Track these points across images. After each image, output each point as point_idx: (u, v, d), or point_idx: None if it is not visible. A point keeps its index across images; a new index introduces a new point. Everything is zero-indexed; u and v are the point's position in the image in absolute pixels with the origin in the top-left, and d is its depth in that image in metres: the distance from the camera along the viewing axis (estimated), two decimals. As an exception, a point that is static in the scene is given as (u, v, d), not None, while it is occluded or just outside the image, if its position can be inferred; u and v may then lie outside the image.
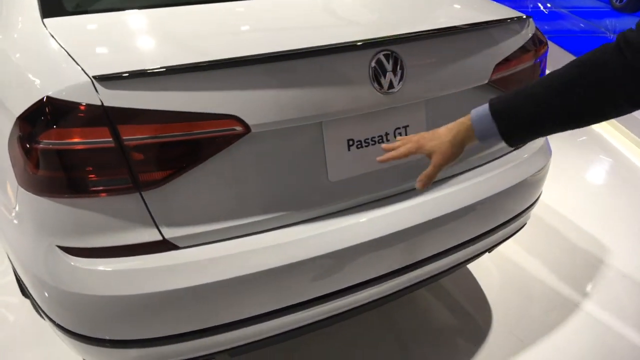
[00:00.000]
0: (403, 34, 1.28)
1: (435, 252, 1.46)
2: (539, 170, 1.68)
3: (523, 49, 1.55)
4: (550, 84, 0.95)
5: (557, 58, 4.80)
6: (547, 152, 1.76)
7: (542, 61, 1.67)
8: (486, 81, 1.46)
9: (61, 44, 1.14)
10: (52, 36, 1.17)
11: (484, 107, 1.03)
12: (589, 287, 2.14)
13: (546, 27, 5.85)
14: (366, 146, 1.33)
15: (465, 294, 2.12)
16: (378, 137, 1.34)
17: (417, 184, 1.11)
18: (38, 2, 1.29)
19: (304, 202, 1.28)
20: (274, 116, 1.15)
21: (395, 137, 1.37)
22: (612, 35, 5.92)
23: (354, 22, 1.41)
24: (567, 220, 2.60)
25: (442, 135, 1.10)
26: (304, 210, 1.29)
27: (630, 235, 2.48)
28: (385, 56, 1.25)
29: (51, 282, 1.15)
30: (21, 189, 1.13)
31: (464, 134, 1.07)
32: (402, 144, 1.13)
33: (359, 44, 1.22)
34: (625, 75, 0.86)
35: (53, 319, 1.22)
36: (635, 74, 0.85)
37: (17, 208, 1.19)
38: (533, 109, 0.96)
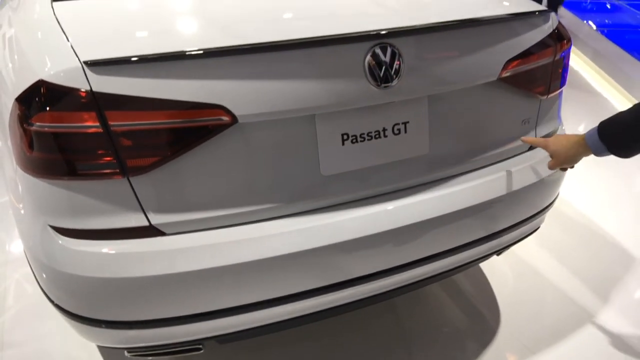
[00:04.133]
0: (401, 27, 1.24)
1: (433, 253, 1.43)
2: (552, 174, 1.60)
3: (540, 45, 1.47)
4: None
5: (612, 54, 4.55)
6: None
7: (564, 58, 1.58)
8: (495, 78, 1.40)
9: (63, 28, 1.17)
10: (57, 19, 1.20)
11: (595, 130, 1.30)
12: (607, 300, 2.04)
13: (607, 20, 5.55)
14: (362, 141, 1.30)
15: (475, 294, 2.06)
16: (375, 132, 1.31)
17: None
18: None
19: (294, 195, 1.27)
20: (263, 107, 1.15)
21: (393, 132, 1.34)
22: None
23: (352, 13, 1.37)
24: (597, 226, 2.48)
25: (563, 142, 1.39)
26: (294, 204, 1.28)
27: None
28: (382, 49, 1.21)
29: (45, 260, 1.19)
30: (19, 170, 1.18)
31: (579, 150, 1.35)
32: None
33: (353, 36, 1.19)
34: None
35: (50, 297, 1.27)
36: None
37: (18, 188, 1.24)
38: (630, 134, 1.24)
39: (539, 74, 1.50)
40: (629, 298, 2.05)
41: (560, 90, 1.62)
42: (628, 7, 6.57)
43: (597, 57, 4.58)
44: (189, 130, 1.12)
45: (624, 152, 1.29)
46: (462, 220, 1.44)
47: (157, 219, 1.16)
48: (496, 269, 2.18)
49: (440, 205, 1.40)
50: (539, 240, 2.30)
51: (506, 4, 1.58)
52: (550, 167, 1.45)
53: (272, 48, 1.13)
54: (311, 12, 1.36)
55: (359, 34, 1.20)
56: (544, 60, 1.49)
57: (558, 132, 1.73)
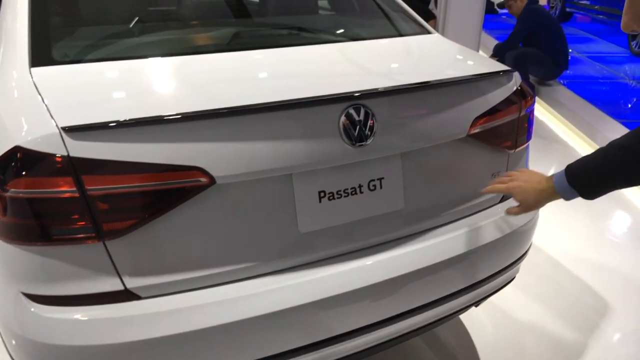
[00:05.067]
0: (374, 89, 1.29)
1: (412, 307, 1.43)
2: (524, 224, 1.64)
3: (506, 103, 1.54)
4: (614, 155, 1.21)
5: (575, 105, 4.76)
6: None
7: (529, 114, 1.66)
8: (465, 134, 1.45)
9: (40, 93, 1.18)
10: (35, 85, 1.22)
11: (562, 176, 1.29)
12: (587, 347, 2.05)
13: (568, 72, 5.84)
14: (338, 198, 1.32)
15: (456, 346, 2.05)
16: (351, 189, 1.34)
17: (507, 213, 1.45)
18: (29, 50, 1.34)
19: (273, 254, 1.27)
20: (241, 168, 1.17)
21: (369, 189, 1.36)
22: (631, 82, 5.85)
23: (327, 75, 1.43)
24: (571, 274, 2.52)
25: (530, 191, 1.35)
26: (273, 262, 1.28)
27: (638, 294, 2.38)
28: (355, 110, 1.26)
29: (16, 328, 1.15)
30: None
31: (548, 197, 1.33)
32: (499, 182, 1.43)
33: (327, 98, 1.23)
34: None
35: None
36: None
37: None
38: (601, 177, 1.24)
39: (506, 130, 1.57)
40: (608, 345, 2.06)
41: (526, 144, 1.69)
42: (588, 59, 6.94)
43: (561, 108, 4.79)
44: (166, 193, 1.13)
45: (594, 195, 1.29)
46: (439, 274, 1.46)
47: (132, 283, 1.15)
48: (475, 320, 2.18)
49: (417, 259, 1.42)
50: (516, 289, 2.32)
51: (472, 65, 1.67)
52: (516, 213, 1.43)
53: (248, 111, 1.16)
54: (286, 75, 1.41)
55: (333, 96, 1.24)
56: (510, 116, 1.56)
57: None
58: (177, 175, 1.12)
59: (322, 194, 1.30)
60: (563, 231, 2.89)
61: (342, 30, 1.94)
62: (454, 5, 4.21)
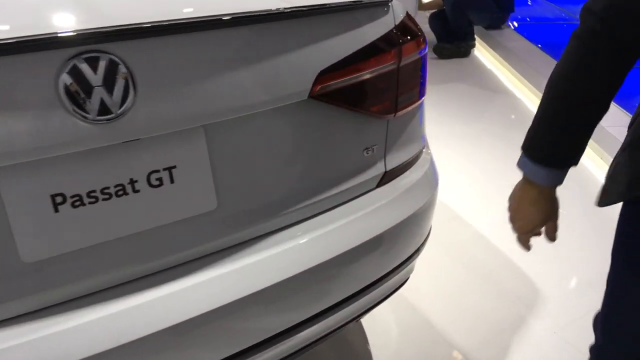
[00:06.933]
0: (130, 25, 0.78)
1: (242, 349, 1.00)
2: (412, 214, 1.20)
3: (376, 47, 1.06)
4: (554, 103, 0.91)
5: (522, 50, 4.31)
6: (428, 184, 1.28)
7: (419, 60, 1.18)
8: (305, 96, 0.97)
9: None
10: None
11: (522, 158, 0.97)
12: (510, 346, 1.68)
13: (519, 15, 5.37)
14: (92, 203, 0.84)
15: (348, 354, 1.65)
16: (115, 186, 0.85)
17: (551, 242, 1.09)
18: None
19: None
20: None
21: (150, 184, 0.88)
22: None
23: (53, 10, 0.88)
24: (502, 256, 2.11)
25: (529, 207, 1.02)
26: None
27: (568, 282, 2.01)
28: (89, 61, 0.75)
29: None
30: None
31: (542, 194, 0.99)
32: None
33: (31, 41, 0.72)
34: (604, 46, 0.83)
35: None
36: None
37: None
38: (559, 132, 0.92)
39: (378, 87, 1.09)
40: (533, 343, 1.70)
41: (417, 103, 1.22)
42: (548, 2, 6.50)
43: (507, 54, 4.33)
44: None
45: (566, 158, 0.95)
46: (282, 297, 1.02)
47: None
48: (379, 321, 1.77)
49: (241, 283, 0.98)
50: (429, 279, 1.92)
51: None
52: (551, 233, 1.08)
53: None
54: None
55: (45, 38, 0.73)
56: (382, 67, 1.07)
57: (424, 154, 1.34)
58: None
59: (58, 199, 0.81)
60: (490, 205, 2.48)
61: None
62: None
